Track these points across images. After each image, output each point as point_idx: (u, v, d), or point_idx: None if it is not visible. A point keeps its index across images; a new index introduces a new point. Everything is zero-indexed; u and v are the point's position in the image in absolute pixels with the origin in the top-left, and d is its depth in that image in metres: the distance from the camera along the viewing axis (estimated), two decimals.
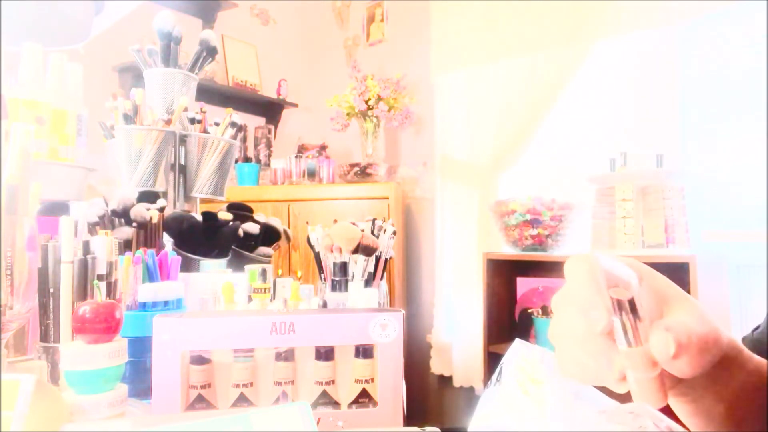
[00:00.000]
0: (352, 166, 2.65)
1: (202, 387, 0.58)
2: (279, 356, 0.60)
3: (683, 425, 0.41)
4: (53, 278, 0.63)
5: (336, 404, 0.60)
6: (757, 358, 0.41)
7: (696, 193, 1.98)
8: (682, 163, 2.03)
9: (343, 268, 0.92)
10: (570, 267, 0.38)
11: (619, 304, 0.34)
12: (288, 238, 1.29)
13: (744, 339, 0.53)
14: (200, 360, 0.58)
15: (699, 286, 1.68)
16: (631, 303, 0.35)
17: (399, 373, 0.59)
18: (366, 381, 0.60)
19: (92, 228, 0.92)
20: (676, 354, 0.33)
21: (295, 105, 3.18)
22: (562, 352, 0.39)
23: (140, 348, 0.67)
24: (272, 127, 3.09)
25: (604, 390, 0.39)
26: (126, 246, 0.90)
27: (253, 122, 3.06)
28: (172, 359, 0.55)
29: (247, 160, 2.91)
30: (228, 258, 1.08)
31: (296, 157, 2.70)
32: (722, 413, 0.40)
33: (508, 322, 2.35)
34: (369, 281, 1.01)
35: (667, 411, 0.39)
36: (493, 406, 0.39)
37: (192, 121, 1.13)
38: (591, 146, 2.27)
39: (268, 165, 2.89)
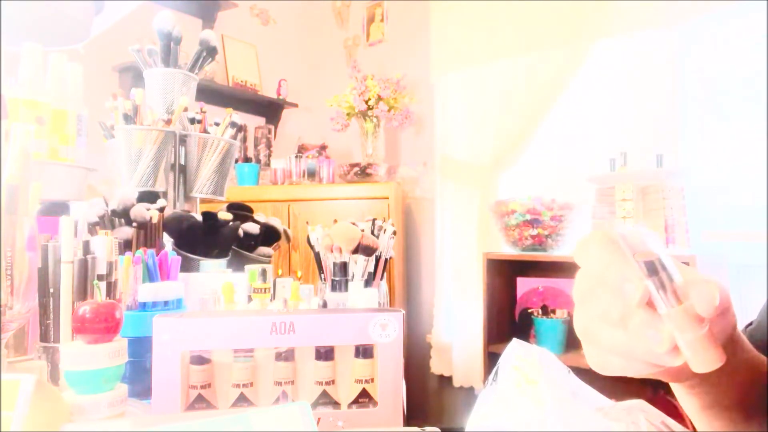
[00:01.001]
0: (352, 166, 2.65)
1: (202, 387, 0.58)
2: (279, 356, 0.60)
3: (685, 423, 0.41)
4: (53, 278, 0.63)
5: (336, 404, 0.60)
6: (755, 352, 0.41)
7: (696, 193, 1.98)
8: (682, 163, 2.03)
9: (343, 268, 0.92)
10: (584, 248, 0.35)
11: (650, 266, 0.32)
12: (288, 238, 1.29)
13: None
14: (200, 360, 0.58)
15: None
16: (660, 262, 0.32)
17: (399, 373, 0.59)
18: (366, 381, 0.60)
19: (92, 228, 0.92)
20: (720, 306, 0.31)
21: (295, 105, 3.18)
22: (600, 344, 0.35)
23: (140, 348, 0.67)
24: (272, 127, 3.09)
25: (612, 388, 0.38)
26: (126, 246, 0.90)
27: (253, 122, 3.06)
28: (172, 359, 0.55)
29: (247, 160, 2.91)
30: (228, 258, 1.08)
31: (296, 157, 2.70)
32: (732, 404, 0.40)
33: (508, 322, 2.35)
34: (369, 281, 1.01)
35: (667, 409, 0.39)
36: (489, 406, 0.39)
37: (192, 121, 1.13)
38: (591, 146, 2.27)
39: (268, 165, 2.89)
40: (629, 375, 0.35)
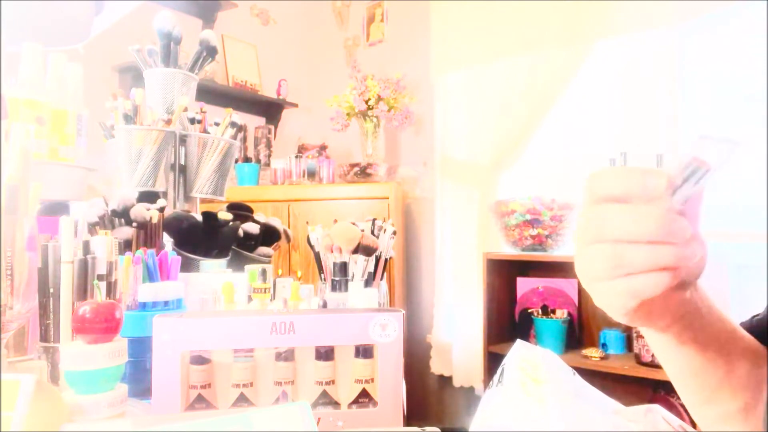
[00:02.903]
0: (352, 166, 2.65)
1: (202, 387, 0.58)
2: (279, 356, 0.60)
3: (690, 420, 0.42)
4: (53, 278, 0.63)
5: (336, 404, 0.60)
6: (721, 314, 0.46)
7: None
8: None
9: (343, 268, 0.92)
10: (597, 178, 0.37)
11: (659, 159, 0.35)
12: (288, 238, 1.29)
13: (742, 324, 0.54)
14: (200, 360, 0.58)
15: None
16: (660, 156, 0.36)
17: (399, 373, 0.59)
18: (366, 381, 0.60)
19: (92, 228, 0.92)
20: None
21: (295, 105, 3.18)
22: (642, 265, 0.35)
23: (140, 348, 0.67)
24: (272, 127, 3.09)
25: (612, 388, 0.38)
26: (126, 246, 0.90)
27: (253, 122, 3.06)
28: (172, 359, 0.55)
29: (247, 160, 2.91)
30: (228, 258, 1.08)
31: (296, 157, 2.70)
32: (707, 341, 0.44)
33: (508, 322, 2.35)
34: (369, 281, 1.01)
35: (667, 408, 0.39)
36: (495, 406, 0.39)
37: (192, 121, 1.13)
38: (591, 146, 2.27)
39: (268, 165, 2.89)
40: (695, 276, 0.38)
